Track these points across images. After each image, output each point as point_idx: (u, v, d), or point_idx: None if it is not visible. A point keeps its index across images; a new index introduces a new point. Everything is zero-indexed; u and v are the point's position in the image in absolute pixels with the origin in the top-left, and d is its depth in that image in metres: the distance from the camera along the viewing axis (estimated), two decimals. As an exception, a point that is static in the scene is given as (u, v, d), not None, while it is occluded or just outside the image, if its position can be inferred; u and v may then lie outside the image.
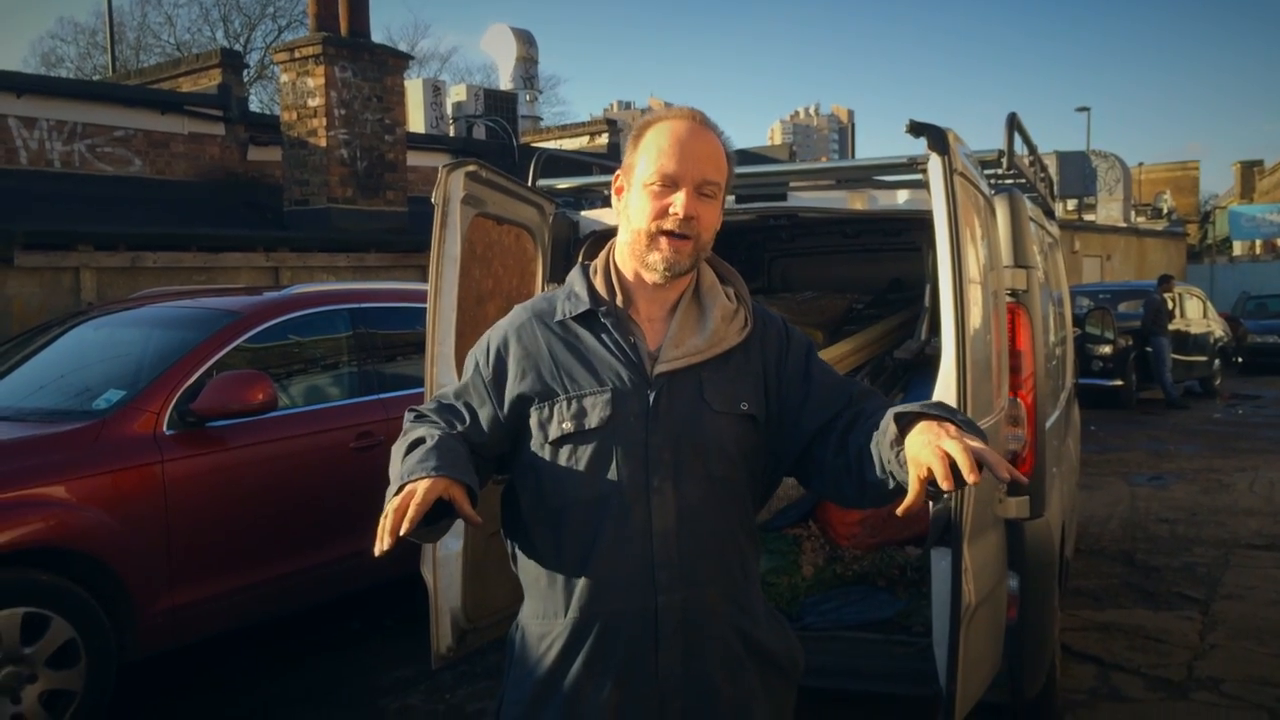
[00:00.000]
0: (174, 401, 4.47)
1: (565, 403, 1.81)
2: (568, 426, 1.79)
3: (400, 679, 4.74)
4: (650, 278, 1.83)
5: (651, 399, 1.80)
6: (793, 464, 1.93)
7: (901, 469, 1.66)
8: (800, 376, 1.91)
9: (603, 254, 1.92)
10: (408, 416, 1.93)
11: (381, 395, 5.30)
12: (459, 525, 3.46)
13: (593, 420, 1.79)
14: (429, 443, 1.76)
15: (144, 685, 4.62)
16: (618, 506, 1.78)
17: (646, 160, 1.80)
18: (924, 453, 1.59)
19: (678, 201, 1.77)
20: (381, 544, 1.61)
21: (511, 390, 1.85)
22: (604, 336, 1.83)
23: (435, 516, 1.67)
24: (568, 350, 1.84)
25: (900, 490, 1.67)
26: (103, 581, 4.11)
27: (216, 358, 4.74)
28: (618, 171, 1.88)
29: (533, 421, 1.83)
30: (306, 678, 4.85)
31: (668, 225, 1.78)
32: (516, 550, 1.93)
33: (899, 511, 1.67)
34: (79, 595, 4.02)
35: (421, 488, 1.64)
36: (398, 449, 1.80)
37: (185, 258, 9.19)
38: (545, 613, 1.84)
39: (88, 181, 10.86)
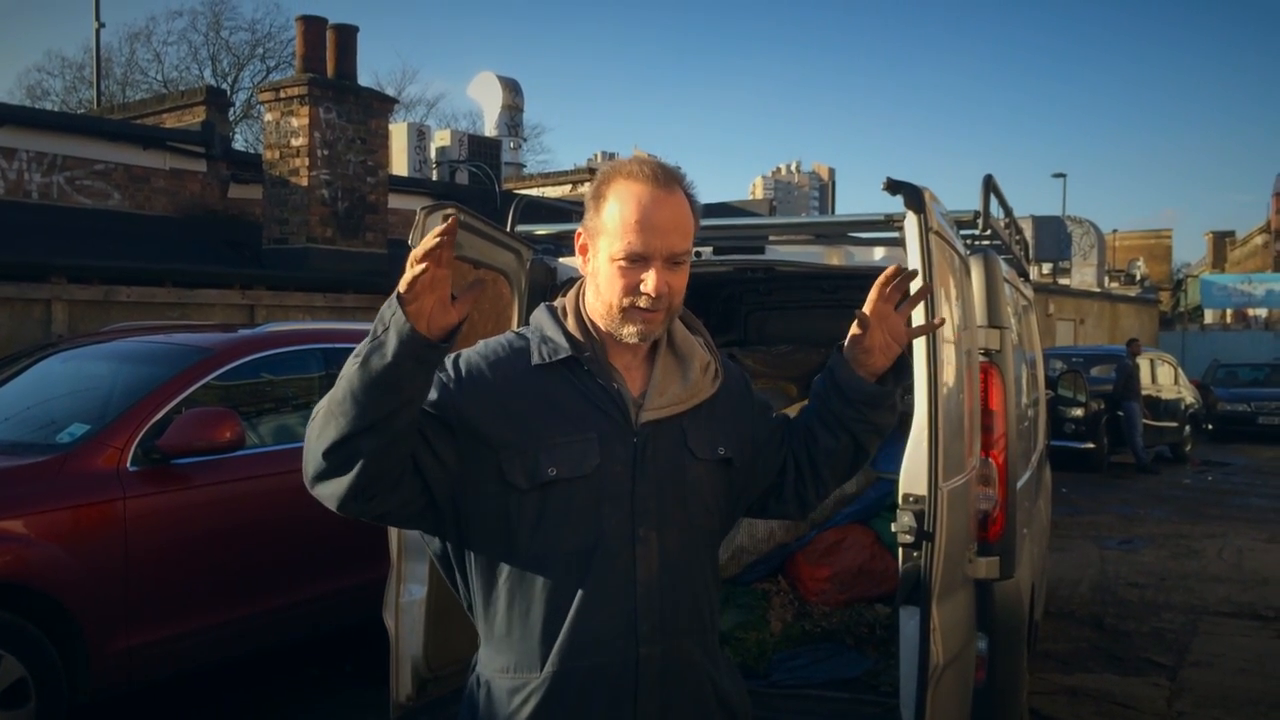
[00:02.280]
0: (139, 437, 4.40)
1: (549, 449, 1.74)
2: (553, 472, 1.73)
3: (359, 727, 4.65)
4: (626, 342, 1.81)
5: (637, 446, 1.77)
6: (757, 498, 1.99)
7: (847, 366, 1.87)
8: (765, 417, 1.98)
9: (571, 297, 1.87)
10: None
11: (352, 437, 5.24)
12: (424, 572, 3.41)
13: (581, 468, 1.74)
14: None
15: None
16: (602, 555, 1.74)
17: (612, 233, 1.74)
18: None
19: (649, 281, 1.73)
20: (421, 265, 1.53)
21: (477, 425, 1.75)
22: (587, 383, 1.79)
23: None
24: (549, 395, 1.78)
25: (849, 443, 1.91)
26: (56, 619, 4.01)
27: (185, 394, 4.68)
28: (579, 230, 1.83)
29: (509, 467, 1.74)
30: (263, 724, 4.75)
31: (641, 303, 1.75)
32: (475, 600, 1.84)
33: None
34: (31, 633, 3.92)
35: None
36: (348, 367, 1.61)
37: (159, 293, 9.12)
38: (518, 666, 1.76)
39: (65, 214, 10.81)
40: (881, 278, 1.85)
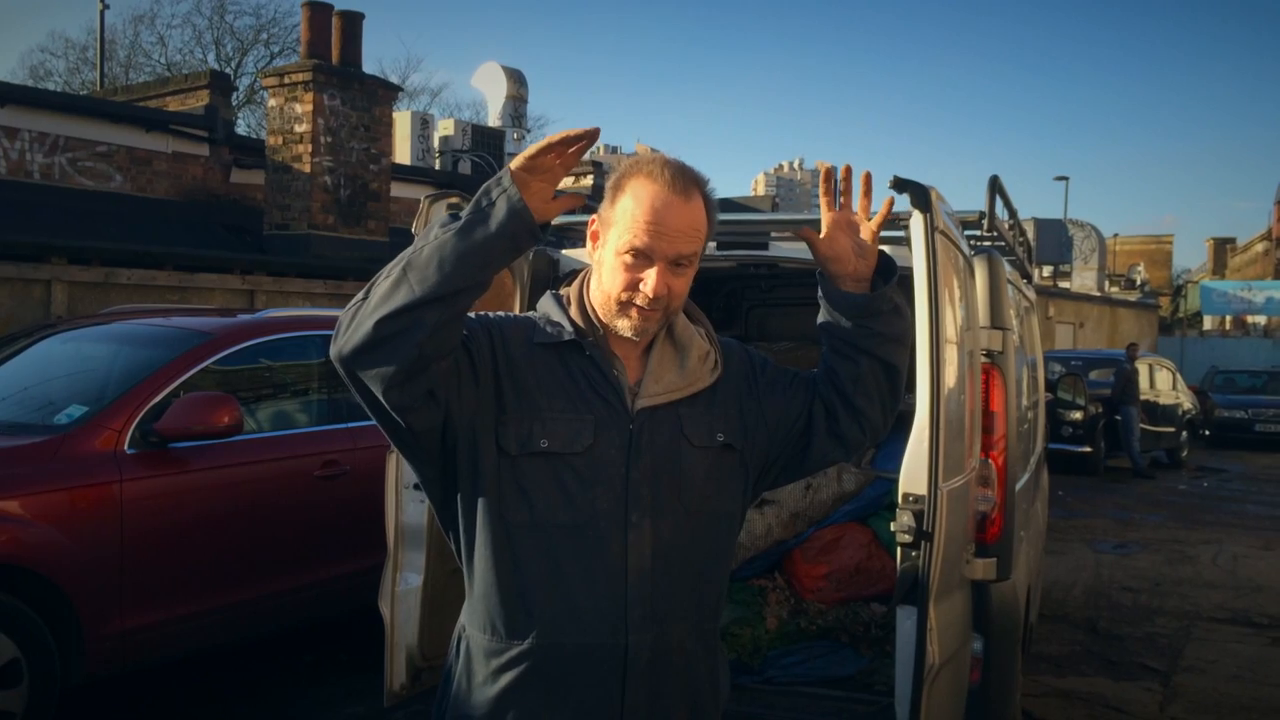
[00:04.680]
0: (137, 420, 4.39)
1: (544, 421, 1.76)
2: (544, 444, 1.75)
3: (351, 716, 4.65)
4: (620, 335, 1.81)
5: (632, 432, 1.78)
6: (793, 462, 1.97)
7: (833, 285, 1.88)
8: (776, 388, 1.95)
9: (575, 285, 1.88)
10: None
11: (350, 424, 5.24)
12: (421, 561, 3.41)
13: (573, 445, 1.75)
14: None
15: (86, 711, 4.50)
16: (593, 538, 1.75)
17: (622, 226, 1.75)
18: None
19: (649, 280, 1.74)
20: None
21: (498, 377, 1.77)
22: (587, 368, 1.81)
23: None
24: (551, 372, 1.80)
25: (869, 363, 1.88)
26: (50, 600, 4.01)
27: (184, 378, 4.66)
28: (593, 216, 1.83)
29: (504, 431, 1.76)
30: (256, 711, 4.74)
31: (638, 300, 1.75)
32: (461, 555, 1.85)
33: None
34: (25, 613, 3.92)
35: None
36: (431, 235, 1.65)
37: (159, 276, 9.10)
38: (496, 630, 1.78)
39: (67, 195, 10.79)
40: (822, 193, 1.86)
